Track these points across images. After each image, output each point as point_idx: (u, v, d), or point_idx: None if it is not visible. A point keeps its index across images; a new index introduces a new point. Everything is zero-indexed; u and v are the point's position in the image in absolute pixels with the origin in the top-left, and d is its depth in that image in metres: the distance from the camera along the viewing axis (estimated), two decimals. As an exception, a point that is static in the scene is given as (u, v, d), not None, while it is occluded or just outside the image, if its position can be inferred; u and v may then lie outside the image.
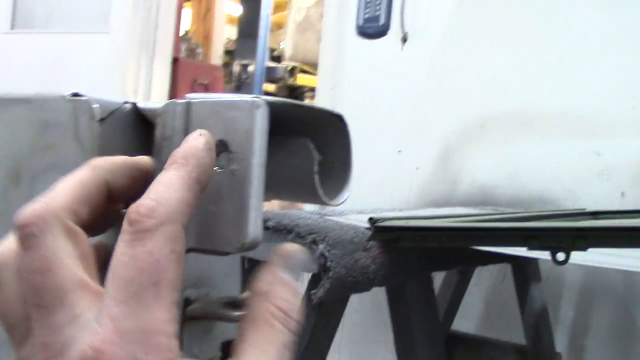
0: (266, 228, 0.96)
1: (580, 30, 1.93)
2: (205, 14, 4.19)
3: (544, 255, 0.78)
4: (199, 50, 3.78)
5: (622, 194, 1.87)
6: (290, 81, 4.81)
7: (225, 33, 4.90)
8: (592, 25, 1.91)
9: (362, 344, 2.26)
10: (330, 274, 0.89)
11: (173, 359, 0.27)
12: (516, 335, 1.89)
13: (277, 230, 0.95)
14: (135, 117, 0.41)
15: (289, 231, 0.93)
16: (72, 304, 0.28)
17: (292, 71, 4.81)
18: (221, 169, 0.34)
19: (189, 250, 0.36)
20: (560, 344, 1.91)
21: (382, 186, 2.24)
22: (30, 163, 0.38)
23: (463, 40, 2.12)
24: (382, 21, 2.23)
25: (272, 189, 0.42)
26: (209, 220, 0.34)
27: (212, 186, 0.34)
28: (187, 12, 4.29)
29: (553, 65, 1.97)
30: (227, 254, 0.35)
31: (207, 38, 4.19)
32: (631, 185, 1.85)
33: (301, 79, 4.91)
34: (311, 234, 0.91)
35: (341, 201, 0.42)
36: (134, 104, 0.41)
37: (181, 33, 3.63)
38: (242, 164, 0.34)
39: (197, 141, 0.32)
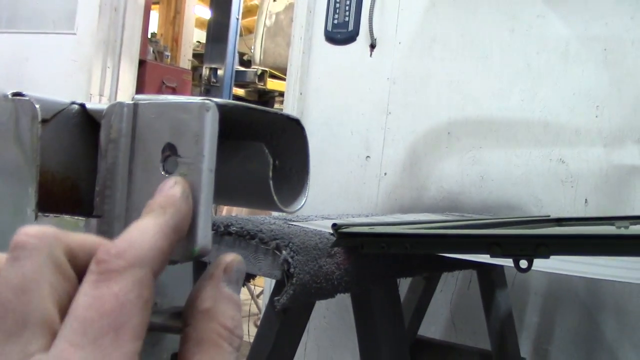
0: (229, 233, 0.94)
1: (545, 40, 1.96)
2: (174, 17, 4.14)
3: (507, 262, 0.78)
4: (167, 53, 3.74)
5: (586, 201, 1.90)
6: (260, 86, 4.79)
7: (194, 36, 4.86)
8: (557, 35, 1.94)
9: (329, 349, 2.25)
10: (294, 280, 0.88)
11: None
12: (482, 340, 1.90)
13: (240, 236, 0.93)
14: (83, 119, 0.40)
15: (252, 237, 0.92)
16: (28, 340, 0.26)
17: (262, 76, 4.79)
18: (169, 174, 0.33)
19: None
20: (525, 349, 1.92)
21: (350, 191, 2.24)
22: (-31, 166, 0.36)
23: (431, 48, 2.13)
24: (350, 27, 2.23)
25: (226, 195, 0.41)
26: None
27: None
28: (156, 15, 4.24)
29: (519, 73, 1.99)
30: (175, 262, 0.33)
31: (175, 41, 4.15)
32: (594, 192, 1.88)
33: (271, 84, 4.89)
34: (275, 239, 0.90)
35: (297, 208, 0.41)
36: (82, 105, 0.39)
37: (149, 36, 3.58)
38: (191, 168, 0.32)
39: (174, 190, 0.31)
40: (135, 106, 0.34)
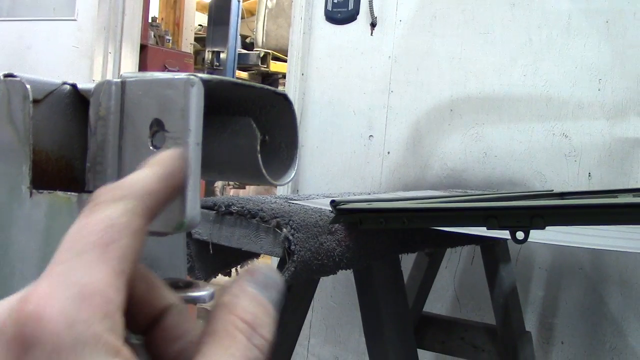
0: (230, 213, 0.95)
1: (546, 14, 1.95)
2: (174, 1, 4.14)
3: (503, 234, 0.79)
4: (168, 37, 3.74)
5: (589, 175, 1.90)
6: (263, 68, 4.78)
7: (196, 20, 4.85)
8: (558, 9, 1.93)
9: (337, 327, 2.27)
10: (295, 257, 0.89)
11: (112, 326, 0.25)
12: (488, 316, 1.91)
13: (241, 215, 0.94)
14: (75, 99, 0.41)
15: (253, 216, 0.93)
16: None
17: (265, 58, 4.78)
18: (157, 149, 0.34)
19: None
20: (530, 323, 1.94)
21: (353, 171, 2.25)
22: (-35, 147, 0.37)
23: (432, 25, 2.12)
24: (350, 6, 2.22)
25: (216, 169, 0.42)
26: None
27: (148, 166, 0.34)
28: (156, 0, 4.23)
29: (521, 48, 1.98)
30: (165, 234, 0.34)
31: (177, 25, 4.14)
32: (597, 166, 1.88)
33: (274, 66, 4.88)
34: (275, 217, 0.91)
35: (287, 180, 0.42)
36: (74, 85, 0.40)
37: (150, 20, 3.58)
38: (178, 143, 0.33)
39: (168, 151, 0.31)
40: (123, 84, 0.35)
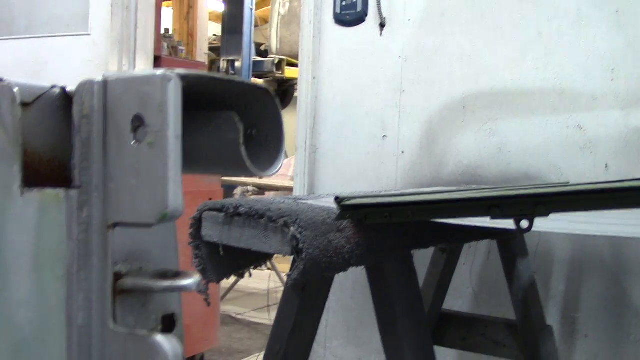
0: (238, 214, 0.97)
1: (556, 6, 1.94)
2: (187, 12, 4.19)
3: (508, 224, 0.79)
4: (181, 47, 3.79)
5: (606, 166, 1.88)
6: (278, 75, 4.81)
7: (210, 30, 4.90)
8: (568, 1, 1.91)
9: (359, 328, 2.27)
10: (304, 255, 0.90)
11: None
12: (508, 311, 1.90)
13: (250, 216, 0.95)
14: (65, 102, 0.42)
15: (261, 216, 0.94)
16: None
17: (279, 64, 4.81)
18: (138, 143, 0.35)
19: (114, 225, 0.36)
20: (553, 317, 1.92)
21: (368, 172, 2.25)
22: (-41, 150, 0.39)
23: (441, 23, 2.12)
24: (359, 8, 2.23)
25: (202, 164, 0.43)
26: (130, 195, 0.35)
27: (131, 161, 0.35)
28: (170, 12, 4.29)
29: (531, 42, 1.97)
30: (150, 225, 0.36)
31: (191, 36, 4.20)
32: (614, 156, 1.86)
33: (289, 72, 4.91)
34: (283, 217, 0.92)
35: (274, 171, 0.43)
36: (63, 88, 0.42)
37: (163, 31, 3.63)
38: (158, 136, 0.34)
39: None
40: (105, 83, 0.36)
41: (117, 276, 0.37)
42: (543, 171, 1.96)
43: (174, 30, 4.19)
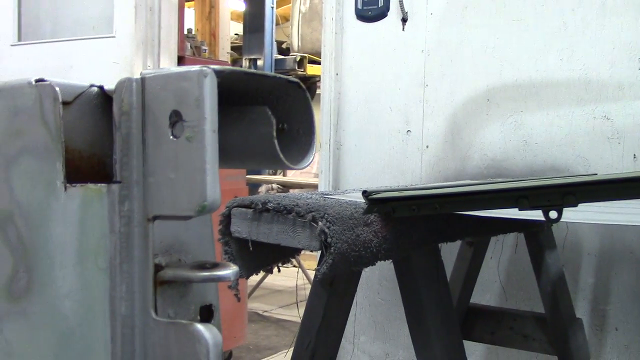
0: (267, 210, 0.98)
1: (579, -6, 1.92)
2: (209, 12, 4.22)
3: (536, 215, 0.79)
4: (204, 47, 3.83)
5: (634, 157, 1.86)
6: (300, 72, 4.82)
7: (232, 30, 4.93)
8: (592, -12, 1.89)
9: (386, 323, 2.27)
10: (332, 249, 0.91)
11: None
12: (537, 304, 1.89)
13: (278, 212, 0.97)
14: (103, 100, 0.43)
15: (289, 211, 0.95)
16: None
17: (301, 62, 4.83)
18: (176, 138, 0.36)
19: (154, 218, 0.38)
20: (582, 310, 1.91)
21: (393, 167, 2.25)
22: (4, 149, 0.40)
23: (463, 15, 2.11)
24: (380, 3, 2.23)
25: (236, 158, 0.44)
26: (169, 188, 0.36)
27: (169, 155, 0.36)
28: (192, 12, 4.32)
29: (555, 33, 1.95)
30: (189, 217, 0.37)
31: (213, 35, 4.23)
32: (643, 146, 1.84)
33: (311, 69, 4.92)
34: (311, 212, 0.93)
35: (306, 164, 0.44)
36: (101, 87, 0.43)
37: (186, 32, 3.67)
38: (196, 130, 0.35)
39: None
40: (143, 80, 0.38)
41: (158, 268, 0.39)
42: (570, 163, 1.94)
43: (197, 30, 4.23)
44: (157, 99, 0.37)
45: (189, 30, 3.90)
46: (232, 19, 4.94)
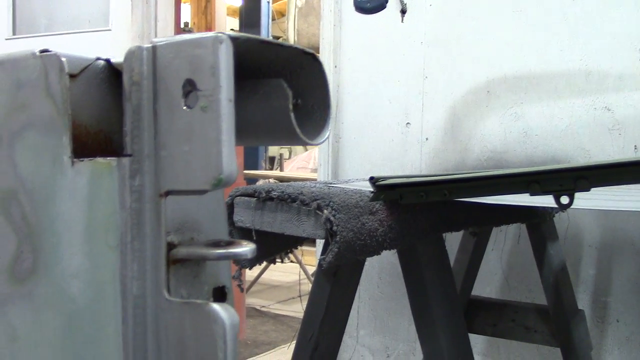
0: (270, 199, 0.96)
1: (580, -16, 1.90)
2: (205, 7, 4.20)
3: (547, 200, 0.78)
4: (201, 41, 3.80)
5: (635, 147, 1.85)
6: (296, 67, 4.80)
7: (227, 24, 4.90)
8: (592, -22, 1.88)
9: (385, 317, 2.26)
10: (338, 238, 0.89)
11: None
12: (539, 297, 1.88)
13: (282, 200, 0.95)
14: (110, 73, 0.42)
15: (293, 200, 0.93)
16: None
17: (298, 57, 4.79)
18: (190, 108, 0.34)
19: (167, 193, 0.36)
20: (583, 302, 1.90)
21: (392, 159, 2.23)
22: (7, 124, 0.39)
23: (463, 7, 2.09)
24: (379, -6, 2.21)
25: (252, 134, 0.42)
26: (182, 161, 0.34)
27: (183, 126, 0.34)
28: (188, 7, 4.30)
29: (555, 24, 1.94)
30: (204, 192, 0.35)
31: (209, 30, 4.20)
32: (644, 137, 1.83)
33: (307, 64, 4.89)
34: (315, 200, 0.91)
35: (322, 139, 0.42)
36: (107, 60, 0.41)
37: (182, 26, 3.64)
38: (211, 100, 0.34)
39: None
40: (154, 48, 0.36)
41: (170, 246, 0.37)
42: (570, 154, 1.93)
43: (193, 24, 4.21)
44: (169, 67, 0.35)
45: (185, 24, 3.88)
46: (228, 15, 4.92)
